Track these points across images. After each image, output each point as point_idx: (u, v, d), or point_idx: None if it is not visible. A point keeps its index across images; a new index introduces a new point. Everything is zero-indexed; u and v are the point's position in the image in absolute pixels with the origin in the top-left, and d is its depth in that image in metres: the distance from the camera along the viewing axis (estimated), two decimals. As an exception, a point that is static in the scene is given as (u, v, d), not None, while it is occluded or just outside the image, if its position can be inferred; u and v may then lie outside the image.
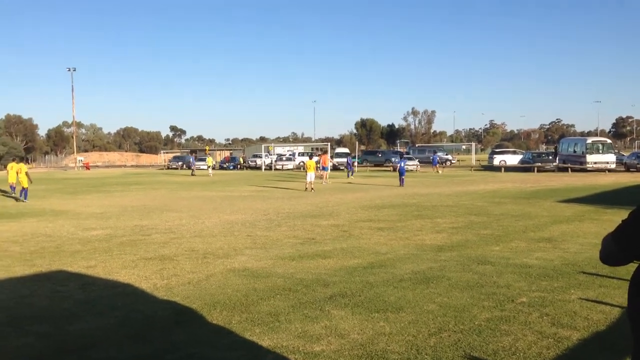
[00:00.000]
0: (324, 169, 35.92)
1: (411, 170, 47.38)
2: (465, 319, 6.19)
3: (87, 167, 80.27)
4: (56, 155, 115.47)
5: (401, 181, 32.07)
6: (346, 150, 69.63)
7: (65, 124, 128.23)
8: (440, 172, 45.53)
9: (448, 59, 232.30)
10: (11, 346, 5.63)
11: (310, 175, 28.58)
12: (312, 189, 27.97)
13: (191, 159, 62.42)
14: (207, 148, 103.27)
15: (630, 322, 2.18)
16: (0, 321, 6.51)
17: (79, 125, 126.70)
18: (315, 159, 35.46)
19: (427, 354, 5.15)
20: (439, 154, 65.91)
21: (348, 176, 41.91)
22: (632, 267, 2.27)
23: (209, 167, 51.74)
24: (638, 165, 43.35)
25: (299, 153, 70.28)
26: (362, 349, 5.31)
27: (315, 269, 9.02)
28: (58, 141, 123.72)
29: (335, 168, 55.21)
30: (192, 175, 50.73)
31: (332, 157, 58.50)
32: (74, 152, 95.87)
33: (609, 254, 2.28)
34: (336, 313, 6.51)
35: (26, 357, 5.34)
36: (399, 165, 34.61)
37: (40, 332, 6.06)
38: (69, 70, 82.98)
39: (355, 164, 49.91)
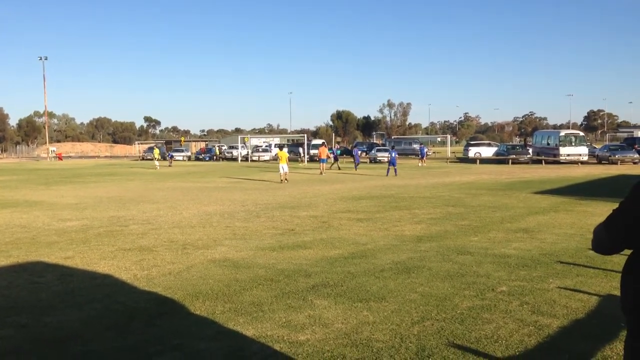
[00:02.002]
0: (321, 160, 35.86)
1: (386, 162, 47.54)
2: (447, 307, 6.25)
3: (60, 158, 79.04)
4: (27, 145, 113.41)
5: (394, 171, 32.44)
6: (322, 141, 69.60)
7: (36, 113, 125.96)
8: (422, 164, 45.48)
9: (423, 51, 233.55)
10: (-11, 338, 5.53)
11: (283, 167, 28.27)
12: (285, 180, 27.75)
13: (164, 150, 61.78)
14: (183, 139, 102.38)
15: (628, 313, 2.19)
16: (-24, 313, 6.39)
17: (51, 115, 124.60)
18: (286, 149, 35.00)
19: (411, 342, 5.19)
20: (414, 146, 66.39)
21: (355, 168, 40.48)
22: (613, 257, 2.31)
23: (155, 159, 48.89)
24: (609, 158, 44.12)
25: (275, 144, 70.14)
26: (347, 337, 5.34)
27: (296, 259, 9.02)
28: (29, 131, 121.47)
29: (311, 159, 55.19)
30: (169, 166, 50.31)
31: (310, 148, 58.57)
32: (46, 143, 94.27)
33: (600, 243, 2.31)
34: (319, 303, 6.52)
35: (5, 349, 5.24)
36: (390, 156, 34.76)
37: (18, 324, 5.95)
38: (41, 59, 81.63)
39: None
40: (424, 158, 48.34)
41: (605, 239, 2.25)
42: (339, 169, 41.03)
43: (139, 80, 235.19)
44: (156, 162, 47.47)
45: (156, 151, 51.30)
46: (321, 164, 35.81)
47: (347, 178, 31.26)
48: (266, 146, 68.15)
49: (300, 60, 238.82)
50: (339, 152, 48.15)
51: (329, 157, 40.42)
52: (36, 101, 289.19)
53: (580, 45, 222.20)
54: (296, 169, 41.43)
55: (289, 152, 51.42)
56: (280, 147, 41.41)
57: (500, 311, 6.09)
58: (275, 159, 56.84)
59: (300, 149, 61.29)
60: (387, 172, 32.50)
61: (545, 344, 5.15)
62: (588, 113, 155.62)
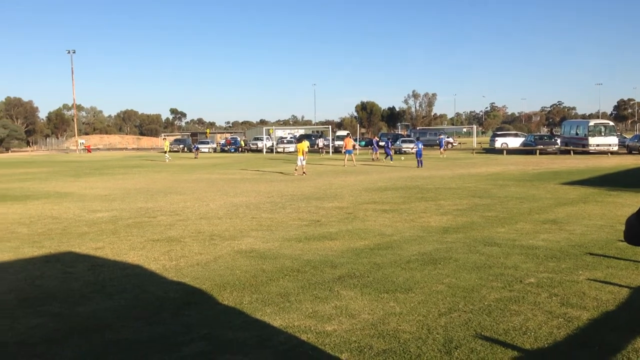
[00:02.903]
0: (348, 152, 35.45)
1: (411, 152, 47.23)
2: (475, 299, 6.22)
3: (89, 150, 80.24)
4: (57, 138, 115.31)
5: (419, 163, 32.09)
6: (346, 132, 69.40)
7: (65, 106, 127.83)
8: (441, 155, 45.07)
9: (449, 41, 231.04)
10: (23, 327, 5.67)
11: (300, 159, 27.67)
12: (303, 172, 27.25)
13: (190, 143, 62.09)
14: (208, 131, 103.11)
15: None
16: (11, 302, 6.56)
17: (80, 108, 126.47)
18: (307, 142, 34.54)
19: (438, 333, 5.19)
20: (441, 136, 65.79)
21: (389, 159, 39.83)
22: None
23: (165, 152, 47.64)
24: (640, 148, 43.25)
25: (302, 136, 70.24)
26: (374, 328, 5.35)
27: (322, 250, 9.05)
28: (59, 124, 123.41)
29: (336, 151, 55.17)
30: (195, 158, 50.73)
31: (334, 140, 58.52)
32: (74, 135, 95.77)
33: (634, 234, 2.28)
34: (346, 294, 6.54)
35: (38, 337, 5.37)
36: (416, 147, 34.36)
37: (51, 313, 6.10)
38: (69, 52, 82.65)
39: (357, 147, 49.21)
40: (443, 149, 47.63)
41: (638, 229, 2.22)
42: (389, 159, 39.99)
43: (165, 73, 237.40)
44: (167, 155, 46.43)
45: (166, 143, 50.39)
46: (346, 155, 35.47)
47: (372, 169, 31.19)
48: (291, 138, 68.22)
49: (324, 52, 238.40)
50: (389, 143, 44.91)
51: (355, 149, 39.64)
52: (65, 94, 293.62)
53: (610, 32, 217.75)
54: (319, 161, 41.45)
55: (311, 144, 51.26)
56: (300, 139, 40.34)
57: (529, 303, 6.04)
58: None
59: (319, 141, 61.02)
60: (418, 164, 32.13)
61: (574, 336, 5.10)
62: (618, 102, 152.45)
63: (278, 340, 5.14)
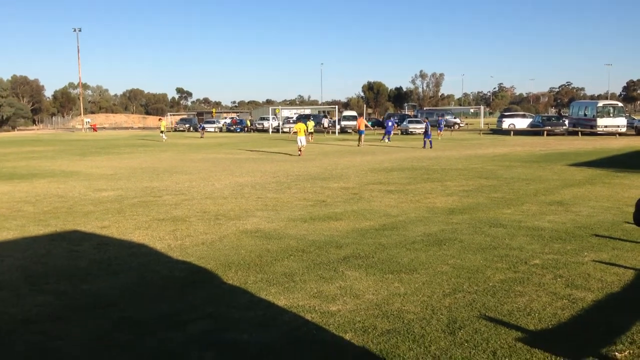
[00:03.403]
0: (359, 132, 35.26)
1: (418, 133, 46.86)
2: (479, 280, 6.22)
3: (95, 129, 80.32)
4: (63, 116, 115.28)
5: (429, 143, 31.45)
6: (354, 113, 69.06)
7: (71, 85, 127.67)
8: (439, 137, 43.30)
9: (457, 21, 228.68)
10: (29, 304, 5.71)
11: (301, 139, 27.02)
12: (299, 152, 26.65)
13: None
14: (214, 110, 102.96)
15: None
16: (17, 280, 6.60)
17: (85, 86, 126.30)
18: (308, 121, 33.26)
19: (442, 314, 5.19)
20: (447, 117, 65.38)
21: (386, 140, 38.97)
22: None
23: (162, 132, 46.09)
24: (649, 129, 42.92)
25: (307, 116, 70.03)
26: (378, 308, 5.36)
27: (327, 230, 9.05)
28: (64, 102, 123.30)
29: (342, 131, 55.00)
30: (201, 137, 50.70)
31: (340, 120, 58.27)
32: (80, 114, 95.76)
33: None
34: (350, 274, 6.55)
35: (44, 315, 5.41)
36: (424, 127, 33.64)
37: (57, 291, 6.14)
38: (75, 30, 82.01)
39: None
40: (441, 131, 45.01)
41: None
42: (386, 140, 39.26)
43: (171, 52, 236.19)
44: (163, 135, 45.35)
45: (162, 123, 48.76)
46: (360, 135, 35.31)
47: (378, 150, 31.10)
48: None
49: (331, 31, 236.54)
50: (391, 123, 43.57)
51: (368, 129, 38.66)
52: (71, 73, 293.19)
53: (619, 12, 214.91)
54: (325, 141, 41.37)
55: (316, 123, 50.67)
56: (298, 118, 38.77)
57: (533, 284, 6.04)
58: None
59: (324, 121, 60.60)
60: (424, 144, 31.78)
61: (579, 317, 5.10)
62: (627, 83, 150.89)
63: (283, 320, 5.15)
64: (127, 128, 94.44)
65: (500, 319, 5.03)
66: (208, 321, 5.15)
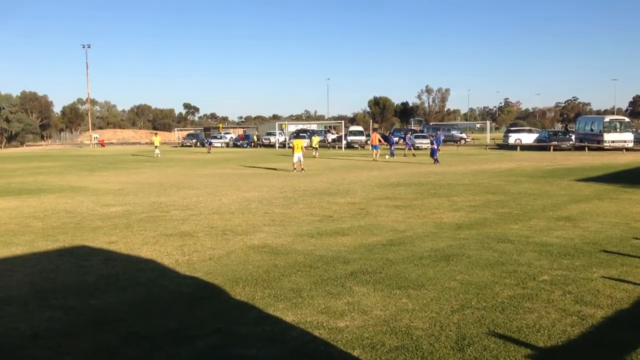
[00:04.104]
0: (374, 147, 35.48)
1: (424, 148, 46.72)
2: (488, 296, 6.19)
3: (102, 144, 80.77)
4: (71, 132, 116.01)
5: (433, 158, 30.44)
6: (360, 128, 69.20)
7: (79, 101, 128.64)
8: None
9: (463, 36, 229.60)
10: (38, 319, 5.73)
11: (297, 156, 26.41)
12: (302, 169, 26.22)
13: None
14: (221, 126, 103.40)
15: None
16: (26, 295, 6.62)
17: (94, 102, 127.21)
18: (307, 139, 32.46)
19: (451, 330, 5.17)
20: (453, 132, 65.37)
21: (386, 156, 37.19)
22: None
23: (156, 147, 44.67)
24: (656, 144, 42.78)
25: (313, 131, 70.25)
26: (386, 324, 5.35)
27: (334, 246, 9.05)
28: (73, 118, 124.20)
29: (349, 146, 55.07)
30: (208, 152, 50.85)
31: (346, 135, 58.36)
32: (88, 129, 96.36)
33: None
34: (358, 290, 6.54)
35: (52, 330, 5.42)
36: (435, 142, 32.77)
37: (66, 306, 6.15)
38: (84, 47, 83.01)
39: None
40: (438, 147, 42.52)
41: None
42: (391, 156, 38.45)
43: (178, 68, 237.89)
44: (156, 151, 43.96)
45: (156, 138, 47.14)
46: (374, 150, 35.47)
47: (384, 165, 31.11)
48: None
49: (338, 47, 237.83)
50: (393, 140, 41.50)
51: (382, 143, 38.15)
52: (79, 89, 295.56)
53: (626, 28, 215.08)
54: (332, 156, 41.38)
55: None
56: (297, 134, 37.54)
57: (542, 300, 6.01)
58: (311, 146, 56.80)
59: (328, 136, 60.54)
60: (435, 160, 30.93)
61: (588, 334, 5.07)
62: (634, 98, 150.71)
63: (291, 336, 5.15)
64: (134, 143, 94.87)
65: (510, 336, 5.01)
66: (216, 337, 5.15)
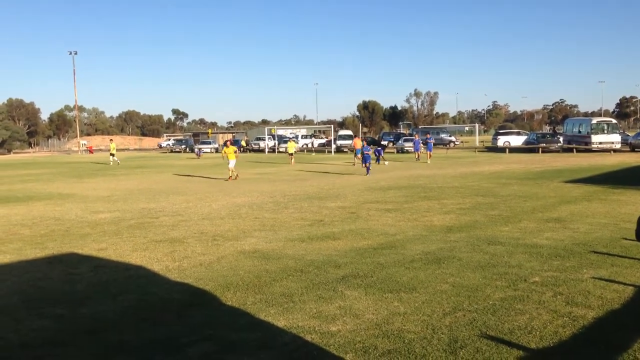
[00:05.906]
0: (357, 152, 34.67)
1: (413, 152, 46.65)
2: (479, 298, 6.20)
3: (91, 151, 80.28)
4: (59, 139, 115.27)
5: (421, 157, 29.87)
6: (349, 132, 69.26)
7: (67, 107, 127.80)
8: (417, 159, 40.76)
9: (450, 40, 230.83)
10: (27, 328, 5.66)
11: (232, 162, 24.99)
12: (236, 176, 24.92)
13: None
14: (210, 131, 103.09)
15: None
16: (14, 304, 6.55)
17: (81, 109, 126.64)
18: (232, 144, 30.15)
19: (443, 333, 5.17)
20: (442, 135, 65.59)
21: (377, 162, 34.99)
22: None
23: (112, 154, 42.22)
24: (643, 145, 43.09)
25: (302, 135, 70.30)
26: (378, 328, 5.33)
27: (325, 250, 9.03)
28: (60, 125, 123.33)
29: (338, 150, 55.10)
30: (198, 157, 50.68)
31: (335, 140, 58.41)
32: (76, 136, 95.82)
33: None
34: (349, 294, 6.52)
35: (42, 339, 5.36)
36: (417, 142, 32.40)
37: (55, 315, 6.09)
38: (70, 53, 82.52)
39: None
40: (418, 152, 40.10)
41: None
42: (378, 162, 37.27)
43: (167, 74, 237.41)
44: (111, 158, 41.86)
45: (112, 145, 44.03)
46: (356, 155, 35.11)
47: (375, 169, 31.11)
48: (293, 137, 68.11)
49: (326, 51, 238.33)
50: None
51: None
52: (67, 95, 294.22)
53: (612, 30, 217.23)
54: (321, 161, 41.37)
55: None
56: (225, 143, 31.93)
57: (534, 302, 6.02)
58: (303, 150, 56.81)
59: (313, 140, 60.84)
60: (418, 157, 31.50)
61: (580, 335, 5.08)
62: (620, 100, 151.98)
63: (282, 341, 5.12)
64: (123, 150, 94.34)
65: (502, 338, 5.01)
66: (207, 343, 5.11)
